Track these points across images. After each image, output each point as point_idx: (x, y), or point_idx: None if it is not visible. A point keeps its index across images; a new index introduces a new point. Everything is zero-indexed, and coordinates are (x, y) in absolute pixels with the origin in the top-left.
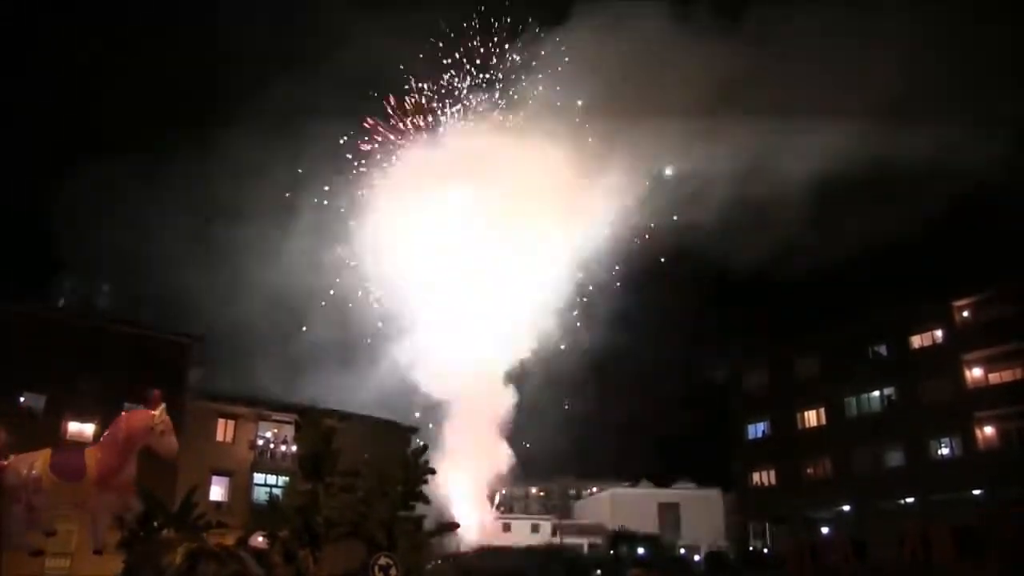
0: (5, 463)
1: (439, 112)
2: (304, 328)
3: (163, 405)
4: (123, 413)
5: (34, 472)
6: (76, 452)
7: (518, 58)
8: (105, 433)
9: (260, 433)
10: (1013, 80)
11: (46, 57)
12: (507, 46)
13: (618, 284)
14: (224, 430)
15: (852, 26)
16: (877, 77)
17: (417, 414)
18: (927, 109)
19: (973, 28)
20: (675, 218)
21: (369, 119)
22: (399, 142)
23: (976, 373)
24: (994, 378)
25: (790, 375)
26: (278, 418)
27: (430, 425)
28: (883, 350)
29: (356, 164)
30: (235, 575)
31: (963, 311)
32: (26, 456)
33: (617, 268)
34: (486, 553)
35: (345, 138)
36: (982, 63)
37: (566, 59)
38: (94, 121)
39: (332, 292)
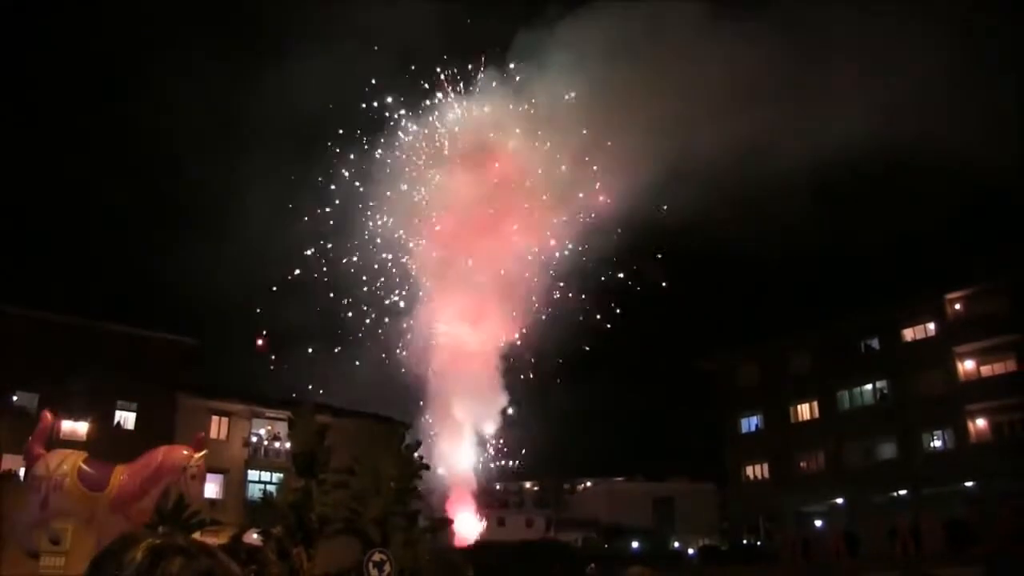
0: (43, 452)
1: (447, 94)
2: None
3: (205, 451)
4: (163, 446)
5: (62, 471)
6: (107, 466)
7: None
8: (140, 458)
9: (254, 430)
10: (1013, 72)
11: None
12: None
13: (612, 273)
14: (218, 427)
15: (855, 28)
16: (881, 76)
17: (413, 413)
18: (929, 105)
19: (978, 27)
20: (664, 208)
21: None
22: (403, 119)
23: (968, 366)
24: (986, 370)
25: (783, 368)
26: (272, 415)
27: (427, 418)
28: (875, 343)
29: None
30: (205, 571)
31: (955, 304)
32: (60, 452)
33: (615, 260)
34: (480, 548)
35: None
36: (983, 58)
37: (581, 42)
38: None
39: (326, 280)
